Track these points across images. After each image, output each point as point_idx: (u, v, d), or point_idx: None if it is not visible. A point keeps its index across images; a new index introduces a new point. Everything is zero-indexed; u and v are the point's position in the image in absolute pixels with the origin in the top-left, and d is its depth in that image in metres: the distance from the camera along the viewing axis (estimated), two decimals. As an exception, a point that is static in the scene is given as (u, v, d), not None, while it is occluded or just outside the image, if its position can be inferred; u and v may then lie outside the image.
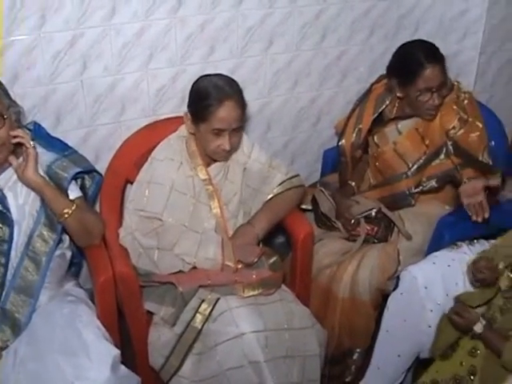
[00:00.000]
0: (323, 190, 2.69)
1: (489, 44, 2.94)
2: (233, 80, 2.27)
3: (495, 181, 2.43)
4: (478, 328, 1.97)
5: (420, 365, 2.36)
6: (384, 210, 2.55)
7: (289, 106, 2.89)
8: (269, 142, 2.92)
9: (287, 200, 2.44)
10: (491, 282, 2.04)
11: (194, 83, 2.28)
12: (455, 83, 2.58)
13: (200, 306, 2.13)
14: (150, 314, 2.25)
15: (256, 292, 2.17)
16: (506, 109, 3.14)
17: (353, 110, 2.70)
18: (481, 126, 2.49)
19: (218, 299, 2.14)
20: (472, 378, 2.05)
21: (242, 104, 2.24)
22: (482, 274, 2.06)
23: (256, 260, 2.27)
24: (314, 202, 2.67)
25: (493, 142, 2.52)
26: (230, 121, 2.19)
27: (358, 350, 2.57)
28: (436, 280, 2.24)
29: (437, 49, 2.47)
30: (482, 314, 2.00)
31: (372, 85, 2.72)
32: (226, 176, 2.37)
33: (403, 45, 2.53)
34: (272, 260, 2.32)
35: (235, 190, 2.37)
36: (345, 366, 2.59)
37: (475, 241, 2.42)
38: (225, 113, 2.17)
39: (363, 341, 2.54)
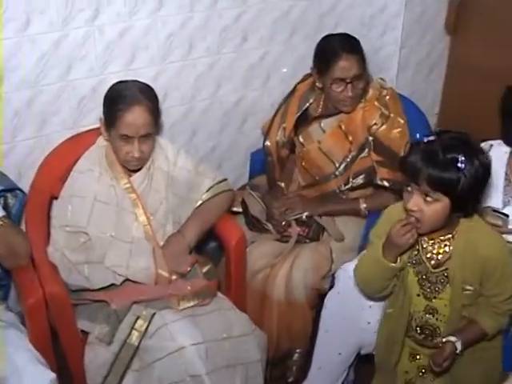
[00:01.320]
0: (252, 192, 2.67)
1: (408, 39, 3.00)
2: (148, 86, 2.23)
3: None
4: (459, 346, 1.93)
5: (360, 362, 2.40)
6: (317, 219, 2.56)
7: (213, 110, 2.86)
8: (195, 148, 2.88)
9: (217, 206, 2.41)
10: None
11: (108, 89, 2.24)
12: (378, 80, 2.61)
13: (135, 322, 2.09)
14: (85, 333, 2.19)
15: (192, 304, 2.14)
16: (426, 101, 3.23)
17: (277, 110, 2.71)
18: (402, 121, 2.52)
19: (154, 314, 2.10)
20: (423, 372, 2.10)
21: (152, 110, 2.19)
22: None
23: (189, 269, 2.24)
24: (244, 204, 2.65)
25: (418, 135, 2.54)
26: (137, 126, 2.14)
27: (297, 351, 2.57)
28: (371, 276, 2.26)
29: (356, 41, 2.49)
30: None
31: (296, 84, 2.72)
32: (151, 185, 2.32)
33: (326, 36, 2.55)
34: (206, 269, 2.29)
35: (161, 198, 2.32)
36: (286, 368, 2.59)
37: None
38: (132, 118, 2.13)
39: (302, 341, 2.55)
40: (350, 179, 2.58)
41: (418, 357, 2.10)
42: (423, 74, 3.19)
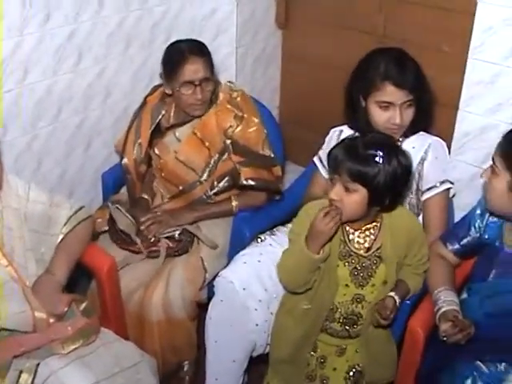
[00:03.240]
0: (119, 206, 2.57)
1: (242, 38, 3.03)
2: None
3: None
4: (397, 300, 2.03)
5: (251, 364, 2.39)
6: (187, 227, 2.52)
7: (57, 136, 2.71)
8: (43, 177, 2.72)
9: (80, 236, 2.27)
10: None
11: None
12: (227, 83, 2.62)
13: (19, 377, 1.91)
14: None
15: (77, 345, 1.99)
16: (267, 96, 3.28)
17: (130, 126, 2.63)
18: (257, 120, 2.55)
19: (38, 365, 1.93)
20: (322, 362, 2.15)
21: None
22: None
23: (66, 309, 2.10)
24: (111, 220, 2.55)
25: (265, 131, 2.59)
26: None
27: (186, 362, 2.54)
28: (251, 279, 2.26)
29: (203, 44, 2.50)
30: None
31: (146, 97, 2.66)
32: (3, 223, 2.13)
33: (173, 42, 2.52)
34: (83, 306, 2.15)
35: (16, 237, 2.14)
36: (179, 380, 2.57)
37: (275, 230, 2.49)
38: None
39: (189, 353, 2.52)
40: (215, 184, 2.57)
41: (318, 349, 2.15)
42: (261, 70, 3.24)
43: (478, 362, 1.95)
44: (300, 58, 3.24)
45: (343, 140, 1.97)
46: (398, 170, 1.88)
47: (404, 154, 1.93)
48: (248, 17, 3.00)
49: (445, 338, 1.91)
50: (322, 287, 2.03)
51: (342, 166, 1.87)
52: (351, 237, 2.02)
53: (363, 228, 2.01)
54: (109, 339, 2.10)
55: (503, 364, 1.93)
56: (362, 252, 2.01)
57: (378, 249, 2.01)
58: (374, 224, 2.01)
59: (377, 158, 1.84)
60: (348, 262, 2.02)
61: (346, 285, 2.04)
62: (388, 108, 2.21)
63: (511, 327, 1.90)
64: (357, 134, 2.35)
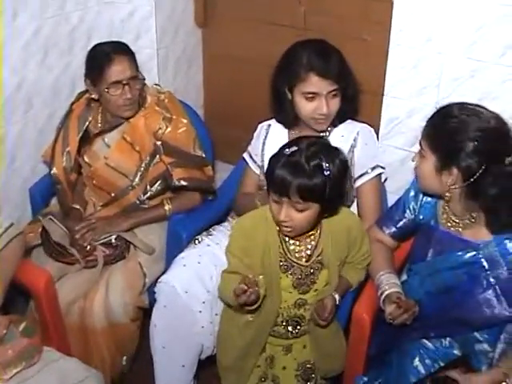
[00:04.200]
0: (53, 218, 2.49)
1: (163, 39, 2.99)
2: None
3: None
4: (337, 298, 2.05)
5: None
6: (122, 235, 2.48)
7: (-21, 154, 2.60)
8: (-32, 198, 2.60)
9: (12, 254, 2.19)
10: None
11: None
12: (154, 86, 2.62)
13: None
14: None
15: (20, 368, 1.93)
16: (191, 96, 3.26)
17: (57, 135, 2.58)
18: (185, 121, 2.55)
19: (-21, 393, 1.86)
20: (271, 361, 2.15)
21: None
22: None
23: (5, 331, 2.01)
24: (45, 232, 2.47)
25: (195, 131, 2.59)
26: None
27: (124, 358, 2.51)
28: (193, 281, 2.25)
29: (125, 44, 2.48)
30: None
31: (72, 104, 2.61)
32: None
33: (95, 45, 2.48)
34: (22, 326, 2.06)
35: None
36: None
37: (211, 230, 2.49)
38: None
39: (130, 349, 2.51)
40: (148, 187, 2.55)
41: (266, 350, 2.15)
42: (183, 70, 3.20)
43: (424, 340, 1.99)
44: (222, 56, 3.22)
45: (279, 156, 1.87)
46: (341, 169, 1.86)
47: (338, 149, 1.92)
48: (167, 17, 2.96)
49: (391, 321, 1.94)
50: (266, 301, 2.01)
51: (291, 187, 1.80)
52: (291, 247, 2.01)
53: (303, 236, 2.00)
54: (52, 358, 2.04)
55: (448, 339, 1.98)
56: (303, 262, 2.01)
57: (319, 255, 2.02)
58: (314, 231, 2.01)
59: (324, 171, 1.81)
60: (291, 274, 2.01)
61: (290, 291, 2.04)
62: (314, 98, 2.23)
63: (451, 302, 1.94)
64: (285, 129, 2.38)
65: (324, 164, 1.81)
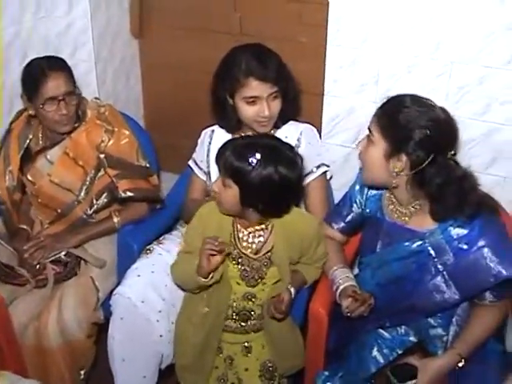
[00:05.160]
0: None
1: (100, 51, 2.96)
2: None
3: None
4: (293, 292, 2.07)
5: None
6: (72, 250, 2.45)
7: None
8: None
9: None
10: None
11: None
12: (93, 100, 2.59)
13: None
14: None
15: (-23, 393, 1.89)
16: (131, 107, 3.25)
17: (-2, 155, 2.53)
18: (127, 132, 2.53)
19: None
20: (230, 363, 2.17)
21: None
22: None
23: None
24: None
25: (137, 141, 2.57)
26: None
27: (83, 371, 2.47)
28: (148, 291, 2.24)
29: (61, 59, 2.44)
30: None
31: (11, 123, 2.57)
32: None
33: (30, 61, 2.42)
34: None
35: None
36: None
37: (161, 238, 2.49)
38: None
39: (87, 362, 2.47)
40: (94, 201, 2.53)
41: (224, 350, 2.17)
42: (122, 82, 3.18)
43: (380, 330, 2.03)
44: (160, 65, 3.22)
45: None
46: (275, 178, 1.86)
47: (291, 165, 1.90)
48: (103, 30, 2.94)
49: (349, 314, 1.98)
50: (216, 289, 2.05)
51: (222, 158, 1.91)
52: (240, 235, 2.04)
53: (253, 228, 2.03)
54: (10, 381, 1.99)
55: (403, 327, 2.03)
56: (250, 253, 2.04)
57: (268, 252, 2.04)
58: (263, 226, 2.03)
59: (251, 159, 1.85)
60: (237, 264, 2.05)
61: (237, 283, 2.07)
62: (255, 102, 2.25)
63: (403, 292, 2.00)
64: (229, 134, 2.40)
65: (256, 156, 1.85)
